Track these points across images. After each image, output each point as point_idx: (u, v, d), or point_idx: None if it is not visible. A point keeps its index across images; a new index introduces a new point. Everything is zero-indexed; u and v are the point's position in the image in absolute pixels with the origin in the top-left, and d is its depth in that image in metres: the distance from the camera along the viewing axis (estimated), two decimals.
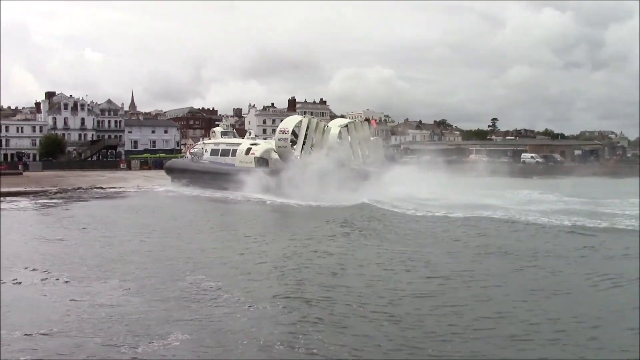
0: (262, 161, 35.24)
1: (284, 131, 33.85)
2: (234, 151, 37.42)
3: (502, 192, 30.62)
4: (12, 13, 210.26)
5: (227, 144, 39.22)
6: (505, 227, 19.73)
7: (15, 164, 67.50)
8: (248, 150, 36.40)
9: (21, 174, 55.82)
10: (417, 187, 29.52)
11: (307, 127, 34.04)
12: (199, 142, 46.34)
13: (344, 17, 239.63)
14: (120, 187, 39.86)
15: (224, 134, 41.38)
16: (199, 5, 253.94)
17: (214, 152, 39.59)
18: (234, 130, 44.39)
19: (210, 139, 43.77)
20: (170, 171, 43.27)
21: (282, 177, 31.30)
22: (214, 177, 36.83)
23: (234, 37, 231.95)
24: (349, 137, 35.71)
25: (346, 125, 36.03)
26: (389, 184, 30.50)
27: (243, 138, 41.85)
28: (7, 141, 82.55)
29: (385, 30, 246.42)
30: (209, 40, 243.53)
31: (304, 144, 33.71)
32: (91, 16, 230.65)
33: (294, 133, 34.36)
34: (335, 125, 35.92)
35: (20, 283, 11.82)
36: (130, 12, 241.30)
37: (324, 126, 35.08)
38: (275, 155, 34.83)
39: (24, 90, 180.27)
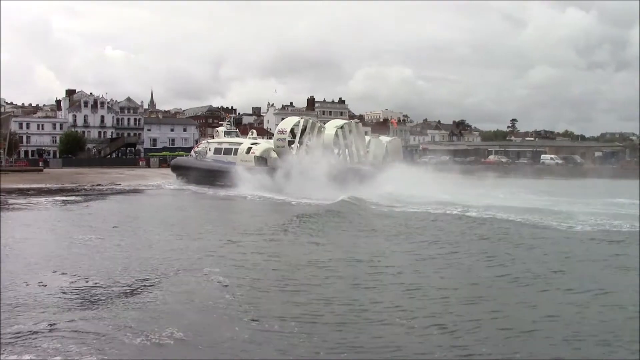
0: (262, 160, 36.35)
1: (282, 131, 35.12)
2: (236, 150, 38.62)
3: (495, 192, 30.61)
4: (34, 10, 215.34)
5: (230, 143, 40.34)
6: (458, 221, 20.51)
7: (35, 160, 69.16)
8: (249, 150, 37.60)
9: (41, 170, 57.35)
10: (411, 186, 29.71)
11: (304, 128, 35.05)
12: (203, 141, 47.50)
13: (364, 16, 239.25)
14: (139, 185, 41.13)
15: (227, 133, 42.56)
16: (218, 4, 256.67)
17: (217, 151, 40.67)
18: (237, 130, 45.51)
19: (214, 138, 44.85)
20: (176, 169, 44.45)
21: (278, 176, 32.39)
22: (216, 174, 37.96)
23: (253, 35, 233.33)
24: (345, 138, 36.52)
25: (342, 127, 36.77)
26: (382, 183, 30.75)
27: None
28: (27, 138, 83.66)
29: (406, 29, 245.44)
30: (229, 38, 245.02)
31: (300, 143, 34.73)
32: (112, 14, 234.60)
33: (292, 133, 35.34)
34: (331, 126, 36.66)
35: (45, 285, 11.32)
36: (151, 10, 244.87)
37: (320, 127, 36.11)
38: (274, 155, 35.95)
39: (45, 88, 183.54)
